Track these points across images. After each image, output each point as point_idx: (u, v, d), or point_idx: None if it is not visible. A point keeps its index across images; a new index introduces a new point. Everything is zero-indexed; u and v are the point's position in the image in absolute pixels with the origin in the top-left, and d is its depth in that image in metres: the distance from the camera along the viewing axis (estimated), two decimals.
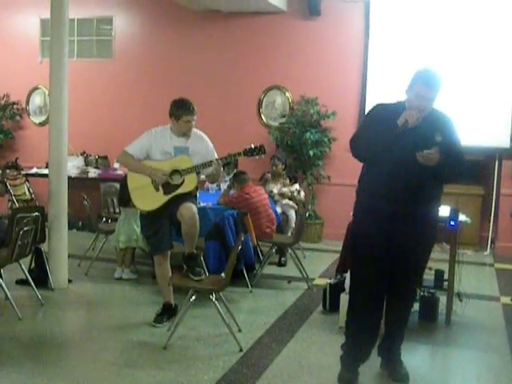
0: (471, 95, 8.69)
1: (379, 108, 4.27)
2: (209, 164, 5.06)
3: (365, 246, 4.17)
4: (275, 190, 8.15)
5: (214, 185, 7.92)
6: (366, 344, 4.27)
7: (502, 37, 8.60)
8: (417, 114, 3.97)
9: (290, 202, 8.09)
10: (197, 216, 5.04)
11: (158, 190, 5.12)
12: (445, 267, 5.66)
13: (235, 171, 7.54)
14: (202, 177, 5.56)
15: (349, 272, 4.80)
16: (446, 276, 5.63)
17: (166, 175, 5.06)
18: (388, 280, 4.20)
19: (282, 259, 7.66)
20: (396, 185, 4.01)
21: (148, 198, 5.16)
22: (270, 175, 8.29)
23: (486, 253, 8.70)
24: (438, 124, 4.09)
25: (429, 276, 5.81)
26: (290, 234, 7.72)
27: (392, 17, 9.08)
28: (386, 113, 4.14)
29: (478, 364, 4.76)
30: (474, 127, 8.67)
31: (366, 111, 9.06)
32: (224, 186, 7.64)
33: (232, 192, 6.98)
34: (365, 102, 9.12)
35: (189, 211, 4.99)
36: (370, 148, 4.12)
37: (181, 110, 5.10)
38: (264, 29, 9.71)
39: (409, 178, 3.98)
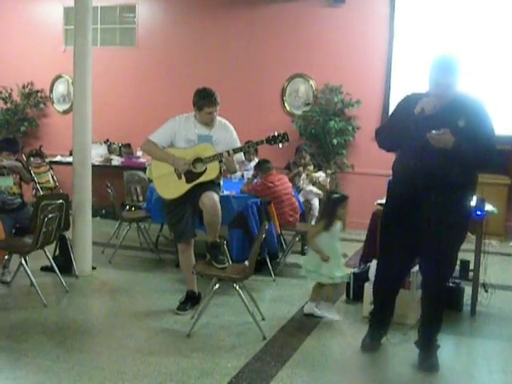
0: (498, 83, 8.57)
1: (407, 98, 4.29)
2: (226, 153, 5.03)
3: (391, 224, 4.37)
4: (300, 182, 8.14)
5: (238, 173, 7.90)
6: (385, 308, 4.57)
7: None
8: (433, 101, 3.95)
9: (314, 189, 8.06)
10: (218, 205, 5.02)
11: (180, 178, 5.11)
12: (470, 257, 5.59)
13: (258, 160, 7.52)
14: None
15: (374, 260, 5.03)
16: (471, 266, 5.58)
17: (187, 164, 5.05)
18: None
19: (305, 248, 7.64)
20: (418, 172, 4.05)
21: (170, 186, 5.16)
22: (301, 169, 8.23)
23: (511, 243, 8.60)
24: (464, 109, 4.04)
25: None
26: (313, 223, 7.69)
27: (417, 2, 8.97)
28: (411, 102, 4.13)
29: (504, 355, 4.69)
30: (501, 116, 8.54)
31: (391, 100, 9.04)
32: (248, 175, 7.63)
33: (256, 180, 6.97)
34: (389, 90, 9.05)
35: (210, 200, 4.98)
36: (389, 138, 4.27)
37: (202, 100, 5.08)
38: (288, 16, 9.64)
39: (431, 164, 3.99)
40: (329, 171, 8.71)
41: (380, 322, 4.61)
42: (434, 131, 3.89)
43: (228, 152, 5.00)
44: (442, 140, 3.89)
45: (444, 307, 4.45)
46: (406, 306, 4.98)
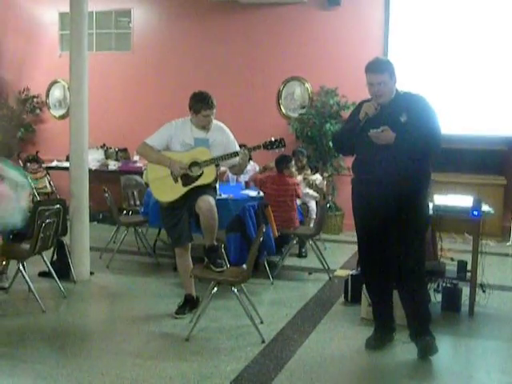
0: (493, 84, 8.59)
1: (358, 105, 4.55)
2: (230, 156, 5.06)
3: (357, 224, 4.57)
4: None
5: (234, 176, 7.89)
6: (379, 307, 4.68)
7: None
8: (374, 104, 4.29)
9: (310, 192, 8.06)
10: (214, 208, 5.02)
11: (176, 181, 5.12)
12: (467, 258, 5.60)
13: (279, 156, 7.47)
14: (223, 168, 5.53)
15: None
16: (469, 267, 5.58)
17: (184, 167, 5.06)
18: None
19: (303, 250, 7.64)
20: (370, 168, 4.30)
21: (167, 190, 5.16)
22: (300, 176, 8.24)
23: (508, 243, 8.61)
24: (405, 105, 4.30)
25: (451, 267, 5.78)
26: (311, 225, 7.69)
27: (412, 5, 8.99)
28: (360, 109, 4.41)
29: (502, 355, 4.71)
30: (497, 117, 8.58)
31: None
32: (244, 178, 7.63)
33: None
34: None
35: (206, 204, 4.98)
36: (342, 143, 4.63)
37: (199, 104, 5.09)
38: (283, 19, 9.66)
39: (381, 160, 4.21)
40: (325, 174, 8.72)
41: (380, 320, 4.70)
42: (372, 130, 4.16)
43: (244, 150, 5.07)
44: (381, 137, 4.17)
45: (424, 301, 4.57)
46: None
